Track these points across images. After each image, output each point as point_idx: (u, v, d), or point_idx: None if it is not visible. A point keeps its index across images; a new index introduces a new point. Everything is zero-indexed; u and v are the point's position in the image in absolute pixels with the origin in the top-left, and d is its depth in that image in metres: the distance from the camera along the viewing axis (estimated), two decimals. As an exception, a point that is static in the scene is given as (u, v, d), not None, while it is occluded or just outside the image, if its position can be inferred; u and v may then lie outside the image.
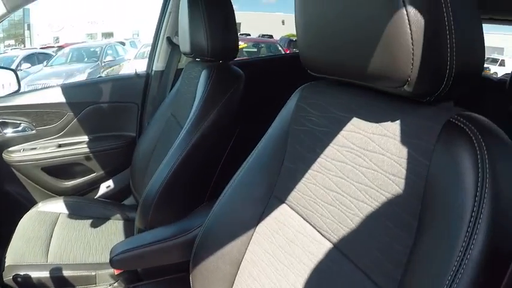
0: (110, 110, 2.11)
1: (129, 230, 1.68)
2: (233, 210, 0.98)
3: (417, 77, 0.58)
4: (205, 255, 0.99)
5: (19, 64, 11.54)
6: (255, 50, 11.96)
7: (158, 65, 2.16)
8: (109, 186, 2.12)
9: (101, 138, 2.11)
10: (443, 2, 0.55)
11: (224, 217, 0.99)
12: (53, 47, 18.38)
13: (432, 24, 0.56)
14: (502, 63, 18.36)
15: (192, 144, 1.33)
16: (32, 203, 1.87)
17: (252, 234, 0.95)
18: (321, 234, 0.79)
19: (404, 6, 0.56)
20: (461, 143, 0.56)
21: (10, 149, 1.99)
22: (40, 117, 2.01)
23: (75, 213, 1.73)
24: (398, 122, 0.67)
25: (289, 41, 13.36)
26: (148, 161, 1.75)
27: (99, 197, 2.11)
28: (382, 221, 0.66)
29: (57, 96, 2.02)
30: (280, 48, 12.18)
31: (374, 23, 0.61)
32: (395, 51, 0.59)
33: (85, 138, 2.09)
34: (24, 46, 28.39)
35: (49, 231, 1.60)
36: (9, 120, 1.98)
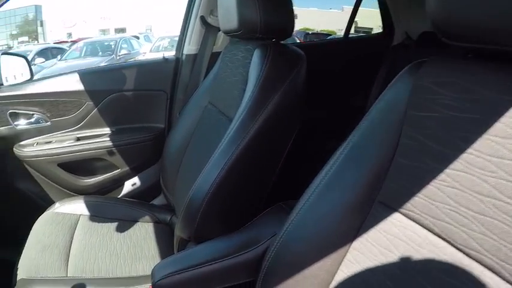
0: (135, 99, 1.88)
1: (161, 234, 1.47)
2: (320, 220, 0.73)
3: None
4: (280, 276, 0.76)
5: (33, 59, 11.41)
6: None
7: (190, 48, 1.92)
8: (135, 184, 1.90)
9: (125, 130, 1.88)
10: None
11: (307, 228, 0.75)
12: (67, 41, 18.37)
13: None
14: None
15: (249, 139, 1.06)
16: (48, 203, 1.67)
17: (347, 251, 0.72)
18: (469, 256, 0.56)
19: None
20: None
21: (22, 142, 1.79)
22: (55, 107, 1.79)
23: (97, 214, 1.53)
24: None
25: (306, 34, 13.48)
26: (181, 157, 1.51)
27: (124, 196, 1.90)
28: None
29: (74, 84, 1.80)
30: (298, 40, 12.28)
31: None
32: None
33: (107, 130, 1.88)
34: (38, 42, 28.61)
35: (68, 237, 1.39)
36: (21, 111, 1.77)
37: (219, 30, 1.87)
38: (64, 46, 14.22)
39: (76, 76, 1.81)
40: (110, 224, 1.48)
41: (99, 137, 1.84)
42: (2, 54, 1.77)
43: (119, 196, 1.89)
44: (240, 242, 0.96)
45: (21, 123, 1.78)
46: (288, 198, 1.08)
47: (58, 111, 1.80)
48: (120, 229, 1.46)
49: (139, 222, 1.51)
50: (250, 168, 1.11)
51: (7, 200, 1.76)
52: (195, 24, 1.90)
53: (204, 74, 1.87)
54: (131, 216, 1.53)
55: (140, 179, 1.91)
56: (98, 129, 1.86)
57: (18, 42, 32.07)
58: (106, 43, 12.25)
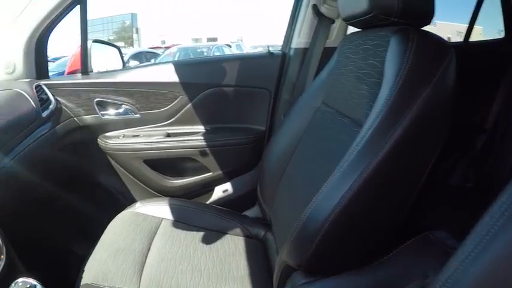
0: (234, 96, 1.67)
1: (252, 251, 1.22)
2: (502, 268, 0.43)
3: None
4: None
5: (127, 61, 12.01)
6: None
7: (299, 42, 1.68)
8: (226, 190, 1.68)
9: (220, 130, 1.68)
10: None
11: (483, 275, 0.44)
12: (160, 47, 19.12)
13: None
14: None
15: (390, 148, 0.75)
16: (129, 200, 1.55)
17: None
18: None
19: None
20: None
21: (107, 134, 1.66)
22: (146, 98, 1.64)
23: (182, 220, 1.32)
24: None
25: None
26: (285, 165, 1.23)
27: (213, 202, 1.69)
28: None
29: (168, 75, 1.65)
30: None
31: None
32: None
33: (200, 128, 1.69)
34: (133, 48, 30.73)
35: (146, 242, 1.19)
36: (109, 100, 1.64)
37: (333, 22, 1.62)
38: (158, 51, 14.92)
39: (171, 67, 1.65)
40: (195, 232, 1.26)
41: (192, 135, 1.65)
42: (93, 41, 1.68)
43: (208, 202, 1.68)
44: (380, 280, 0.70)
45: (108, 113, 1.66)
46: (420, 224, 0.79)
47: (149, 103, 1.64)
48: (206, 240, 1.23)
49: (228, 235, 1.28)
50: (387, 186, 0.80)
51: (86, 193, 1.64)
52: (305, 14, 1.65)
53: (315, 71, 1.61)
54: (220, 226, 1.30)
55: (233, 185, 1.69)
56: (190, 127, 1.68)
57: (115, 47, 35.46)
58: (199, 50, 12.53)
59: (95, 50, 1.69)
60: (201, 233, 1.25)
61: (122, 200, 1.64)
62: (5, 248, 0.96)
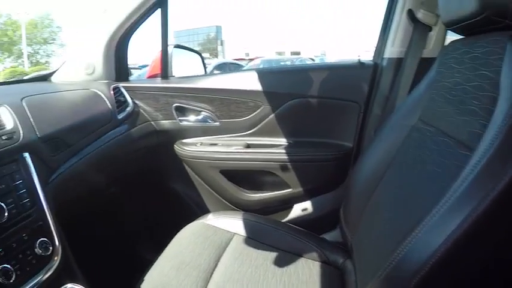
0: (320, 108, 1.56)
1: (329, 279, 1.10)
2: None
3: None
4: None
5: (211, 71, 12.46)
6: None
7: (393, 50, 1.52)
8: (306, 209, 1.56)
9: (304, 144, 1.57)
10: None
11: None
12: (244, 59, 20.07)
13: None
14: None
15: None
16: (202, 210, 1.52)
17: None
18: None
19: None
20: None
21: (185, 140, 1.63)
22: (226, 106, 1.58)
23: (255, 237, 1.22)
24: None
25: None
26: (373, 187, 1.09)
27: (290, 221, 1.57)
28: None
29: (251, 83, 1.57)
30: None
31: None
32: None
33: (282, 141, 1.60)
34: (218, 58, 32.39)
35: (214, 258, 1.12)
36: (187, 106, 1.61)
37: (430, 30, 1.46)
38: (242, 63, 15.21)
39: (254, 74, 1.58)
40: (267, 252, 1.16)
41: (272, 148, 1.56)
42: (174, 46, 1.67)
43: (284, 220, 1.57)
44: None
45: (187, 119, 1.63)
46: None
47: (229, 111, 1.58)
48: (279, 262, 1.13)
49: (303, 258, 1.16)
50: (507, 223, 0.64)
51: (158, 198, 1.63)
52: (400, 20, 1.50)
53: (410, 83, 1.44)
54: (295, 248, 1.19)
55: (313, 204, 1.57)
56: (271, 138, 1.60)
57: (200, 58, 37.99)
58: (282, 62, 12.73)
59: (176, 55, 1.69)
60: (274, 254, 1.15)
61: (195, 209, 1.60)
62: (61, 250, 0.94)
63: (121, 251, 1.51)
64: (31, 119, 1.09)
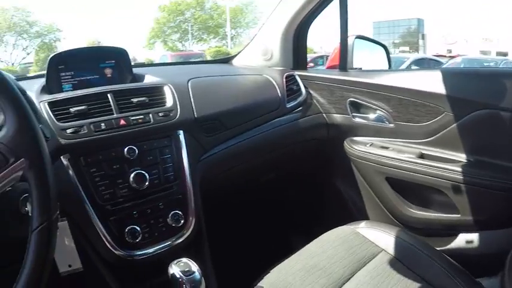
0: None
1: None
2: None
3: None
4: None
5: (409, 66, 11.78)
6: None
7: None
8: (471, 242, 1.35)
9: (485, 165, 1.30)
10: None
11: None
12: (445, 56, 18.61)
13: None
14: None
15: None
16: (359, 214, 1.53)
17: None
18: None
19: None
20: None
21: (355, 138, 1.54)
22: (405, 108, 1.43)
23: (404, 261, 1.09)
24: None
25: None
26: None
27: (449, 250, 1.37)
28: None
29: (434, 84, 1.37)
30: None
31: None
32: None
33: (461, 157, 1.36)
34: (417, 53, 30.95)
35: (350, 270, 1.06)
36: (363, 102, 1.52)
37: None
38: (442, 60, 14.14)
39: (438, 75, 1.39)
40: (410, 281, 1.03)
41: (448, 163, 1.35)
42: (355, 37, 1.58)
43: (443, 248, 1.39)
44: None
45: (360, 116, 1.54)
46: None
47: (407, 113, 1.44)
48: None
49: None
50: None
51: (318, 193, 1.63)
52: None
53: None
54: (443, 286, 1.03)
55: (481, 239, 1.34)
56: (449, 152, 1.39)
57: (399, 51, 35.62)
58: (486, 63, 11.72)
59: (358, 47, 1.61)
60: (417, 285, 1.03)
61: (353, 212, 1.55)
62: (193, 225, 1.04)
63: (268, 240, 1.55)
64: (192, 100, 1.18)
